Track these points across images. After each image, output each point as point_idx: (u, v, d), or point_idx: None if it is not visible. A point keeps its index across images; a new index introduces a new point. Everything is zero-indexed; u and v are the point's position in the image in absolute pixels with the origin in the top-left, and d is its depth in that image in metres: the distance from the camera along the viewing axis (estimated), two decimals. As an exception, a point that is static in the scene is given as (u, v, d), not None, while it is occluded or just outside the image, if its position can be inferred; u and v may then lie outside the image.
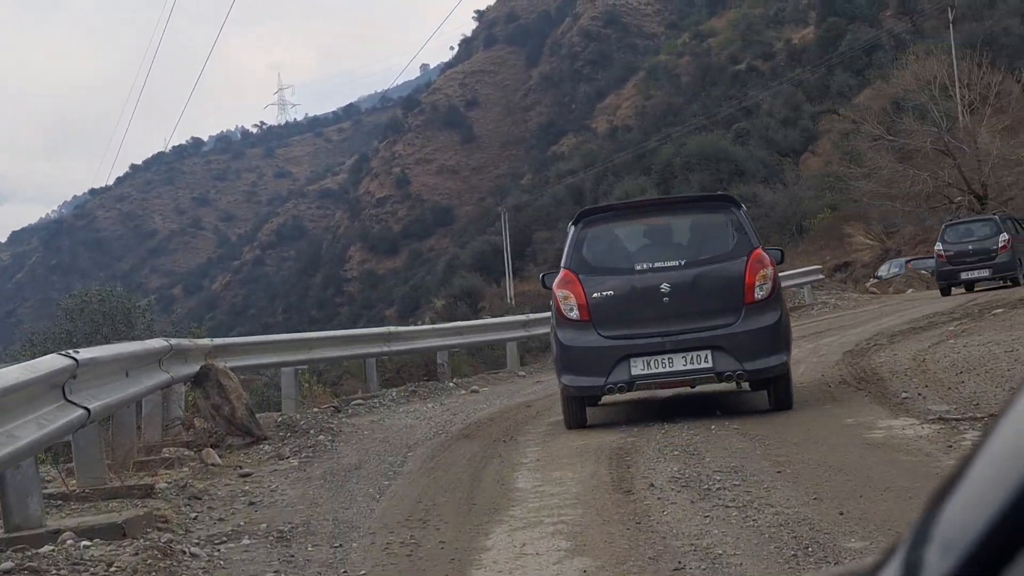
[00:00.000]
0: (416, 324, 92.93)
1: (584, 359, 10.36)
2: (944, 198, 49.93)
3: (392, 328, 18.25)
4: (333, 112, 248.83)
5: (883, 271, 47.81)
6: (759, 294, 10.30)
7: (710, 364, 10.18)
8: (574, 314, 10.48)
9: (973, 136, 48.68)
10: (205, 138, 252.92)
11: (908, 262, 46.62)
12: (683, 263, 10.48)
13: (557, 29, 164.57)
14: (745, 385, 11.35)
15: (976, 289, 28.90)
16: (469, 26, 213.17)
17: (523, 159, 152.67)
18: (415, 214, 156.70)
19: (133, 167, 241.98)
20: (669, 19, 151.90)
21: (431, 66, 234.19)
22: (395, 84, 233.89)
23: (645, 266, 10.50)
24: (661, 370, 10.22)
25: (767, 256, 10.60)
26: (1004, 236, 28.59)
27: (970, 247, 28.56)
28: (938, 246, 29.77)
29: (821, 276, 38.82)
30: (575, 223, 11.06)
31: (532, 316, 21.80)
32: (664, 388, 11.05)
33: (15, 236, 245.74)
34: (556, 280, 10.82)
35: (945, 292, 28.72)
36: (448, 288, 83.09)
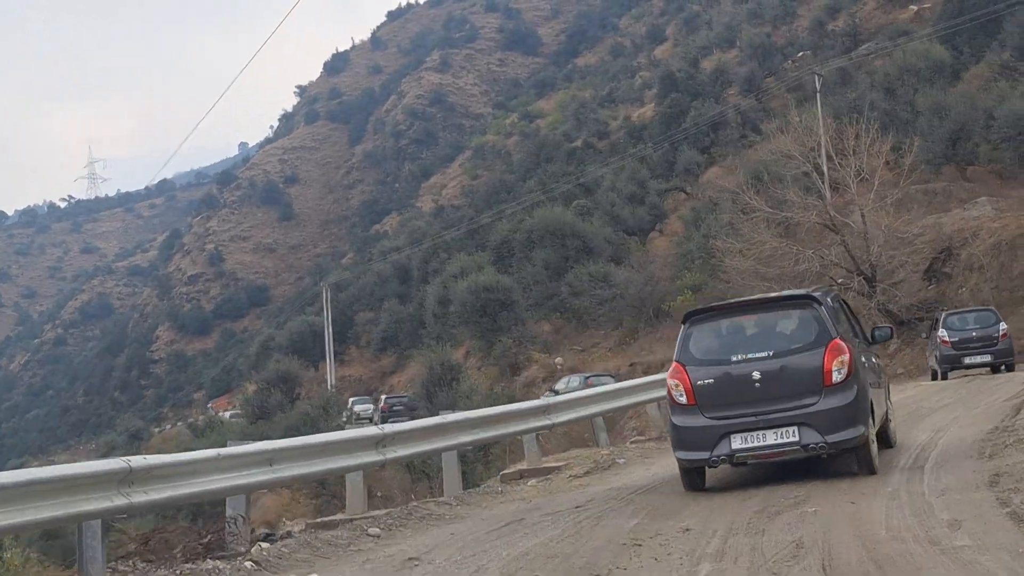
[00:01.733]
0: (214, 413, 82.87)
1: (692, 437, 12.03)
2: (829, 279, 43.47)
3: (136, 460, 8.99)
4: (145, 188, 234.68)
5: (561, 385, 45.98)
6: (836, 378, 11.63)
7: (797, 438, 11.59)
8: (683, 399, 12.15)
9: (861, 211, 42.39)
10: (10, 212, 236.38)
11: (588, 378, 44.46)
12: (771, 353, 11.93)
13: (381, 107, 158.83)
14: None
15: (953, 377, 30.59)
16: (291, 102, 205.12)
17: (344, 237, 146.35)
18: (228, 293, 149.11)
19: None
20: (496, 99, 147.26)
21: (250, 144, 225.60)
22: (212, 162, 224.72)
23: (739, 357, 12.01)
24: (755, 444, 11.73)
25: (844, 344, 11.79)
26: (1003, 325, 31.14)
27: (974, 334, 30.88)
28: (942, 332, 31.27)
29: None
30: (684, 322, 12.81)
31: (390, 429, 13.19)
32: (760, 460, 11.99)
33: None
34: (669, 371, 12.46)
35: (944, 376, 30.79)
36: (262, 371, 73.83)
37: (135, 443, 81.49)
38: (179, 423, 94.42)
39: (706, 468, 12.23)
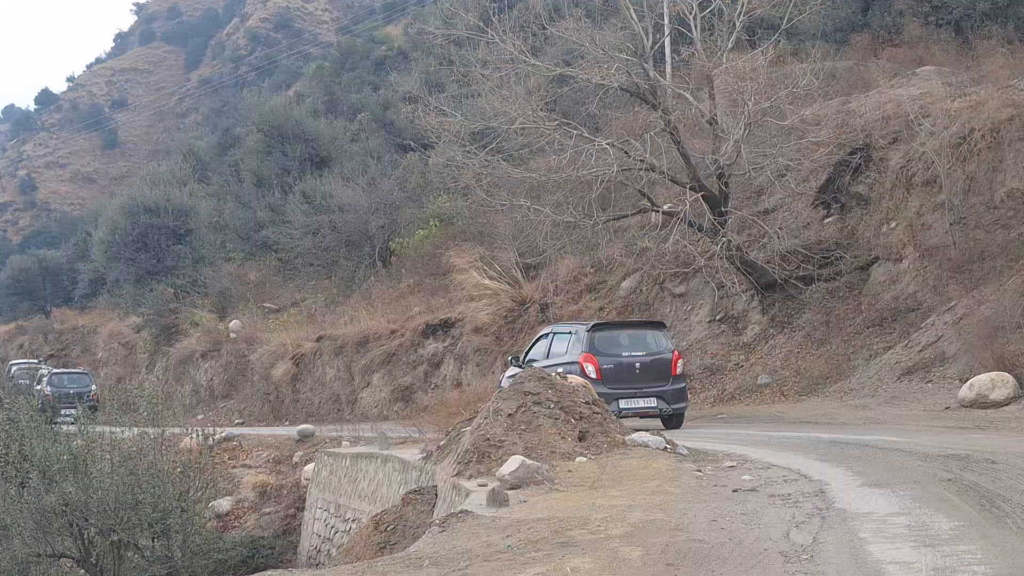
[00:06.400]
0: None
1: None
2: (642, 197, 21.84)
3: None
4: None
5: None
6: (678, 371, 18.74)
7: (655, 404, 18.24)
8: (593, 376, 17.67)
9: (708, 73, 20.87)
10: None
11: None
12: (644, 354, 18.69)
13: (222, 30, 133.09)
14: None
15: None
16: (128, 20, 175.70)
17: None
18: (39, 224, 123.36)
19: None
20: (344, 25, 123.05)
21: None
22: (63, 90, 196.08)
23: (627, 354, 18.54)
24: (633, 406, 18.05)
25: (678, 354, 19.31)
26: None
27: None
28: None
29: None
30: (588, 330, 18.69)
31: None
32: (636, 416, 17.89)
33: None
34: (582, 358, 18.21)
35: None
36: None
37: None
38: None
39: None
